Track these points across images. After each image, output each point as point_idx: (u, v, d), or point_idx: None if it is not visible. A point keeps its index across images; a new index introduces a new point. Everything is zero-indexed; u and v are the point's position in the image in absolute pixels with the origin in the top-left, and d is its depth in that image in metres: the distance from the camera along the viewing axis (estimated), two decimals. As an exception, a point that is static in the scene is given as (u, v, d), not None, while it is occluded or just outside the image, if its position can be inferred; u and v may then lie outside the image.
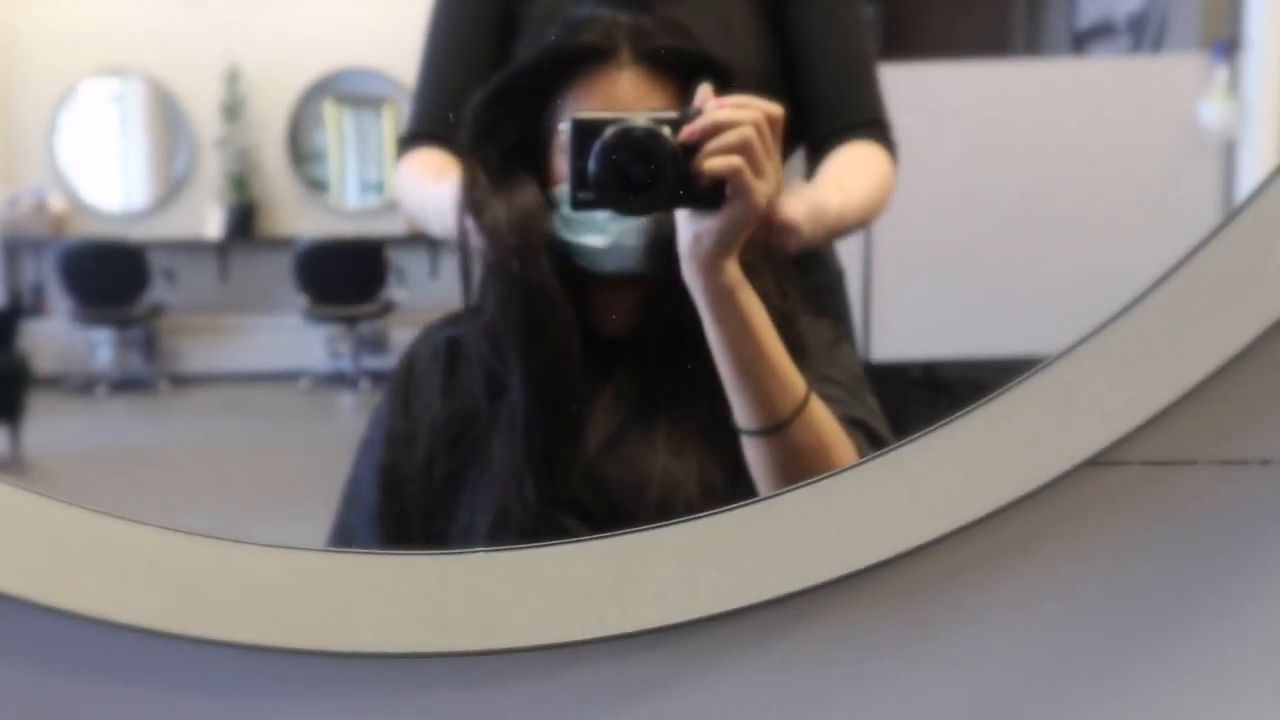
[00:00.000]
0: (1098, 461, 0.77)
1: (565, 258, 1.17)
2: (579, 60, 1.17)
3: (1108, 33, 4.86)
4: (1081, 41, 5.09)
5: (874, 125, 1.36)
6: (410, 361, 1.31)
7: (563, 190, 1.16)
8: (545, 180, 1.18)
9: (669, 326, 1.16)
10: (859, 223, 1.30)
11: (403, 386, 1.29)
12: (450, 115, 1.33)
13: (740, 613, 0.76)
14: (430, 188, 1.32)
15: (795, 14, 1.35)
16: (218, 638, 0.75)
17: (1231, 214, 0.76)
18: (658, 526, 0.76)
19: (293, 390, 4.96)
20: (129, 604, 0.73)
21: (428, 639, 0.75)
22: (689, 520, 0.76)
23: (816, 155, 1.33)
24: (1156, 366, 0.75)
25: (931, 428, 0.76)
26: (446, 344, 1.28)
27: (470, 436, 1.22)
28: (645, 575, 0.76)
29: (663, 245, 1.13)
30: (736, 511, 0.76)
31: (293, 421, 4.58)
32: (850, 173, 1.32)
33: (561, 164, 1.16)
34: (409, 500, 1.24)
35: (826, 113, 1.34)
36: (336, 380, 5.17)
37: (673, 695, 0.79)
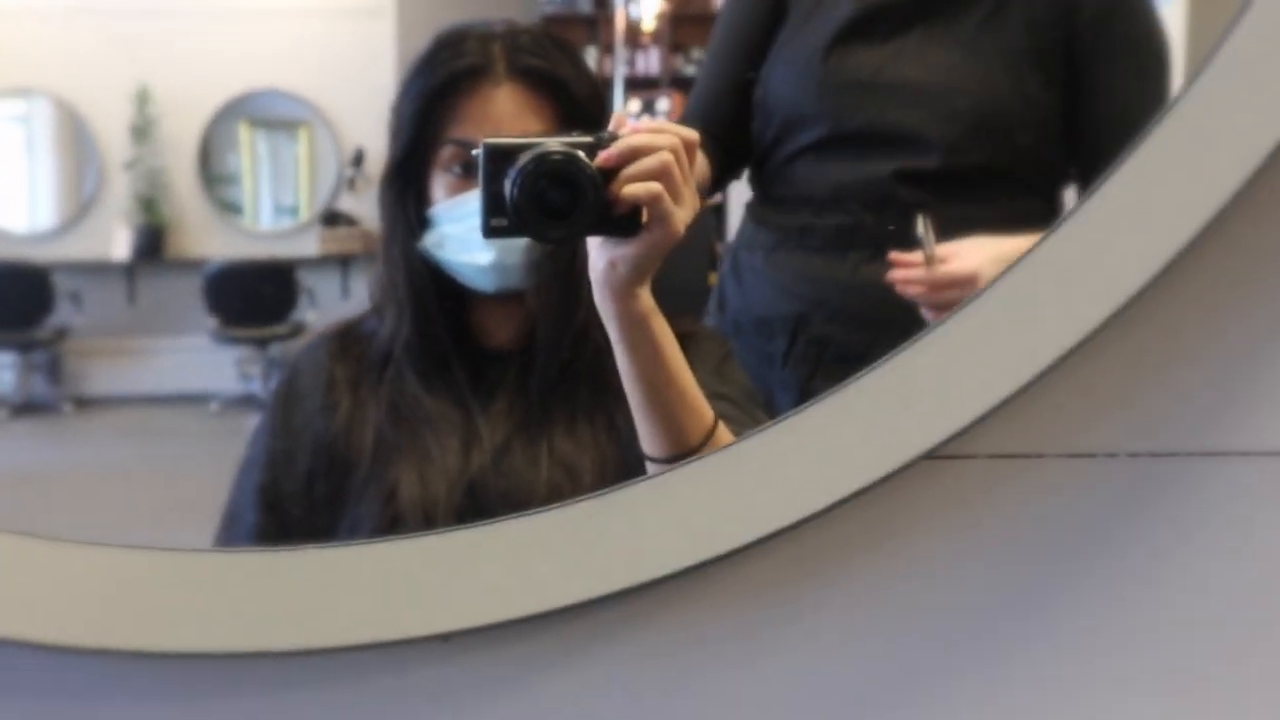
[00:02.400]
0: (942, 455, 0.76)
1: (445, 276, 1.16)
2: (458, 80, 1.15)
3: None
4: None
5: None
6: (291, 377, 1.28)
7: (440, 209, 1.14)
8: (423, 198, 1.17)
9: (555, 340, 1.15)
10: None
11: (283, 403, 1.26)
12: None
13: (577, 609, 0.74)
14: None
15: (1090, 74, 1.33)
16: (28, 639, 0.72)
17: (1073, 209, 0.76)
18: (489, 523, 0.74)
19: (202, 413, 4.89)
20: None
21: (250, 638, 0.72)
22: (522, 516, 0.74)
23: None
24: (996, 358, 0.74)
25: (769, 424, 0.75)
26: (329, 358, 1.25)
27: (350, 454, 1.19)
28: (479, 572, 0.74)
29: (545, 261, 1.12)
30: (571, 508, 0.74)
31: (202, 444, 4.50)
32: None
33: (440, 183, 1.15)
34: (290, 520, 1.21)
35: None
36: (247, 402, 5.11)
37: (510, 695, 0.77)
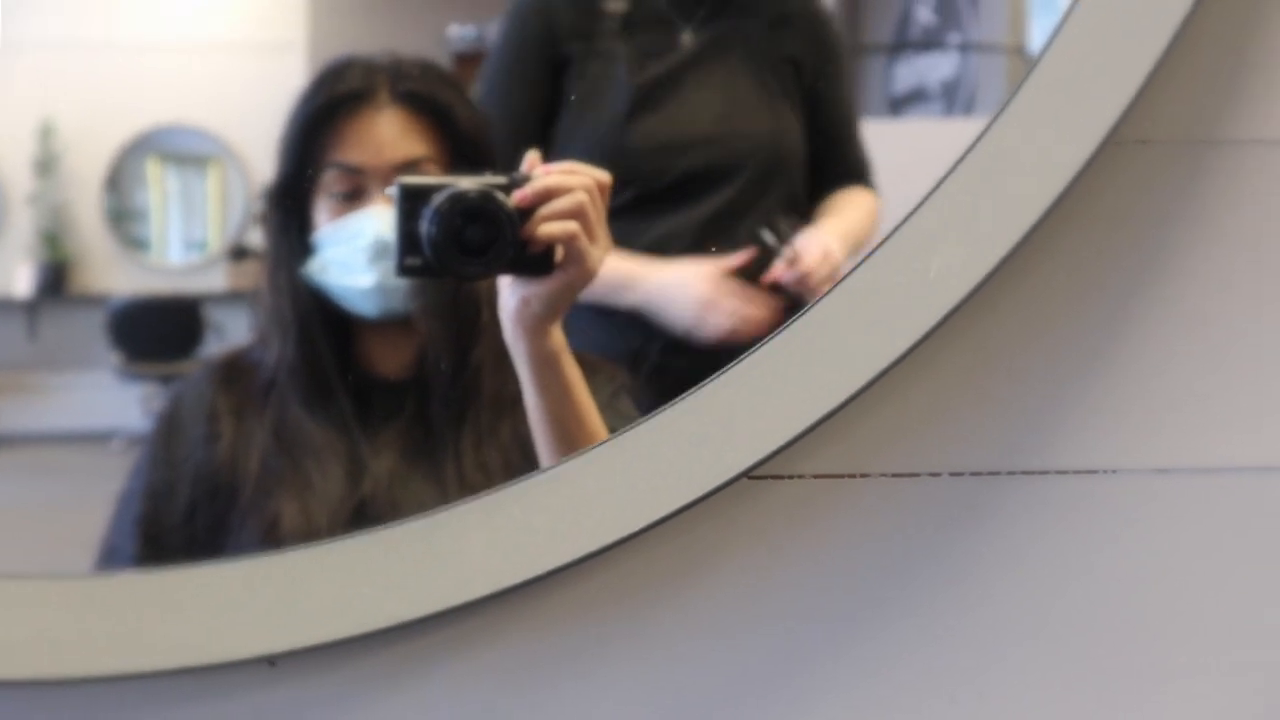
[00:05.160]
0: (764, 474, 0.77)
1: (330, 303, 1.16)
2: (339, 105, 1.17)
3: (922, 99, 5.02)
4: (897, 107, 5.25)
5: (863, 175, 1.68)
6: (174, 409, 1.28)
7: (323, 234, 1.15)
8: (306, 223, 1.18)
9: (450, 366, 1.15)
10: (858, 245, 1.57)
11: (165, 434, 1.27)
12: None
13: (402, 629, 0.74)
14: None
15: (821, 94, 1.61)
16: None
17: (894, 229, 0.77)
18: (312, 545, 0.74)
19: (105, 451, 4.81)
20: None
21: (71, 663, 0.72)
22: (346, 538, 0.74)
23: (822, 194, 1.66)
24: (815, 378, 0.75)
25: (597, 444, 0.76)
26: (212, 389, 1.25)
27: (232, 484, 1.19)
28: (304, 594, 0.74)
29: (432, 285, 1.13)
30: (397, 528, 0.74)
31: (105, 483, 4.42)
32: (849, 209, 1.62)
33: (323, 208, 1.16)
34: (170, 551, 1.21)
35: (834, 167, 1.65)
36: (151, 440, 5.01)
37: (338, 718, 0.77)
